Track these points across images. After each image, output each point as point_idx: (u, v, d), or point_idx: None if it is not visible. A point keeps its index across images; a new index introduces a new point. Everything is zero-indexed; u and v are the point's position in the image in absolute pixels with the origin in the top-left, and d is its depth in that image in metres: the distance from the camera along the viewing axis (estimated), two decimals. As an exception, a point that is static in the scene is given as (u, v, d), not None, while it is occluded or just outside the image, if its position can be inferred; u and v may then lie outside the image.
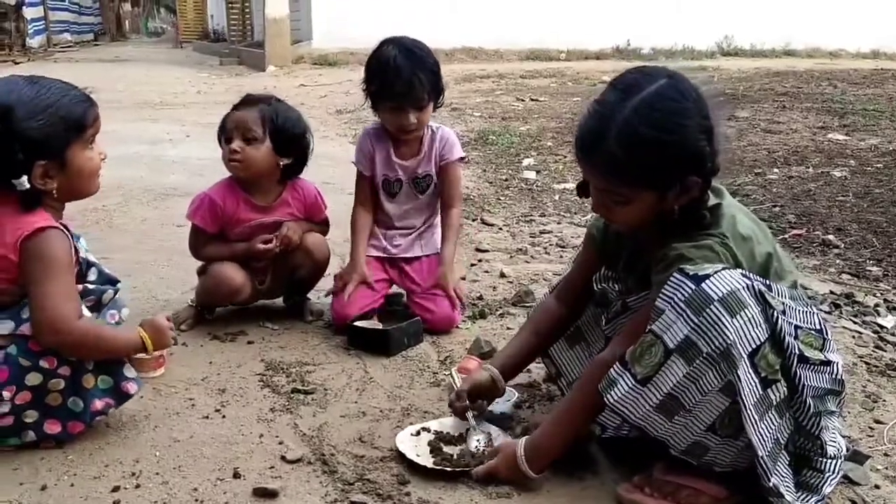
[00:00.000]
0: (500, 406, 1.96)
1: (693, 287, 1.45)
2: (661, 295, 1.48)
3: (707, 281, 1.45)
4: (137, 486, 1.64)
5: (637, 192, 1.54)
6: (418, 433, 1.85)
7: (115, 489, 1.63)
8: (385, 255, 2.66)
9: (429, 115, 2.53)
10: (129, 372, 1.83)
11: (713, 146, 1.54)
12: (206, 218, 2.50)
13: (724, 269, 1.47)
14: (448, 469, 1.70)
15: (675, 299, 1.46)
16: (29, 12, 20.22)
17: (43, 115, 1.71)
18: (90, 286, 1.87)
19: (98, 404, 1.79)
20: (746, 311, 1.44)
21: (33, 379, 1.71)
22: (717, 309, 1.43)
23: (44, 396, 1.73)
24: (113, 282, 1.91)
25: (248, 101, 2.51)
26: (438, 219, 2.70)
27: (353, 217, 2.63)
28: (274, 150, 2.47)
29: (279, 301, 2.71)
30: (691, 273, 1.46)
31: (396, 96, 2.44)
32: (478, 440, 1.81)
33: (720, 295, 1.43)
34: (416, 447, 1.79)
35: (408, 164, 2.60)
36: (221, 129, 2.52)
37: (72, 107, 1.76)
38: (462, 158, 2.67)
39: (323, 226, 2.66)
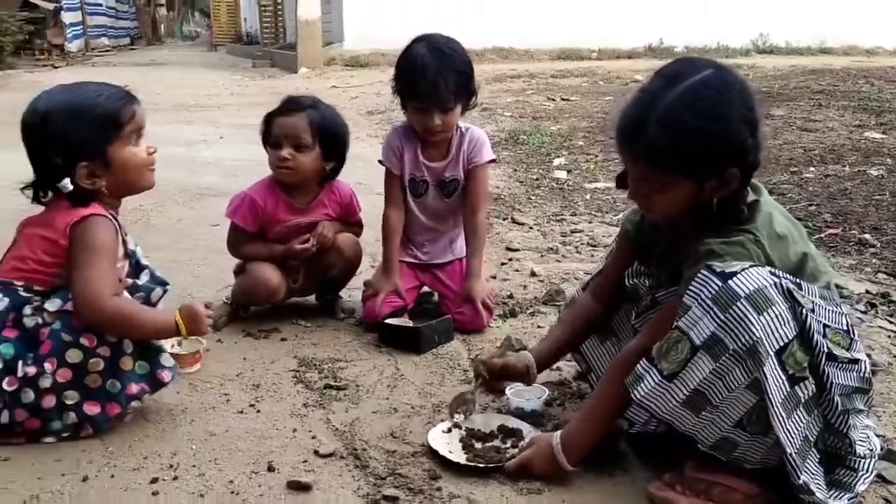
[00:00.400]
0: (531, 403, 1.97)
1: (720, 284, 1.45)
2: (688, 291, 1.48)
3: (734, 278, 1.44)
4: (175, 478, 1.68)
5: (675, 181, 1.54)
6: (449, 430, 1.86)
7: (154, 480, 1.67)
8: (416, 262, 2.67)
9: (456, 117, 2.48)
10: (166, 361, 1.87)
11: (756, 139, 1.53)
12: (246, 217, 2.55)
13: (751, 266, 1.47)
14: (482, 465, 1.71)
15: (702, 296, 1.46)
16: (67, 17, 20.63)
17: (78, 117, 1.80)
18: (139, 283, 1.92)
19: (133, 388, 1.83)
20: (774, 308, 1.43)
21: (74, 356, 1.77)
22: (744, 306, 1.42)
23: (84, 377, 1.78)
24: (163, 283, 1.97)
25: (293, 106, 2.51)
26: None
27: (384, 218, 2.60)
28: (322, 155, 2.51)
29: (312, 299, 2.74)
30: (718, 270, 1.46)
31: (421, 97, 2.42)
32: (466, 407, 1.90)
33: (747, 292, 1.43)
34: (448, 444, 1.80)
35: (435, 165, 2.56)
36: (266, 133, 2.54)
37: (107, 106, 1.83)
38: (492, 160, 2.62)
39: (357, 227, 2.68)
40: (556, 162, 5.28)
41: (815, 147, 5.32)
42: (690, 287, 1.48)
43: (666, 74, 1.56)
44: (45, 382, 1.76)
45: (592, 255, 3.31)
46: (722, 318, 1.44)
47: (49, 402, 1.77)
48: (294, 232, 2.56)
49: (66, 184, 1.80)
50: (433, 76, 2.37)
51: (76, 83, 1.89)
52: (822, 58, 12.97)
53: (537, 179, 4.83)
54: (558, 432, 1.69)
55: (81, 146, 1.80)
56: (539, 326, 2.55)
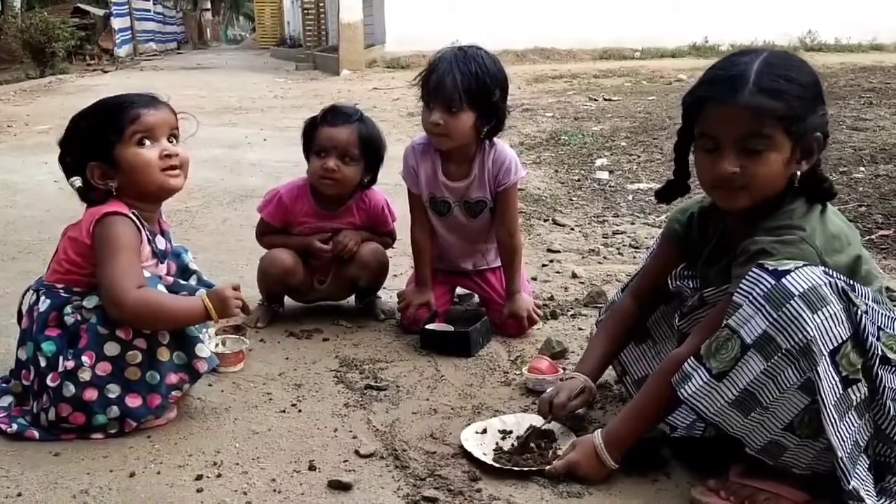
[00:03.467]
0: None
1: (773, 282, 1.42)
2: (738, 290, 1.46)
3: (788, 276, 1.42)
4: (219, 476, 1.71)
5: (778, 135, 1.51)
6: (484, 430, 1.86)
7: (199, 478, 1.69)
8: (449, 270, 2.64)
9: (463, 125, 2.30)
10: (201, 351, 1.90)
11: (825, 111, 1.56)
12: (272, 214, 2.61)
13: (805, 265, 1.44)
14: (525, 469, 1.70)
15: (754, 294, 1.43)
16: (116, 23, 21.18)
17: (84, 118, 1.91)
18: (182, 282, 1.96)
19: (173, 378, 1.87)
20: (828, 307, 1.40)
21: (111, 349, 1.82)
22: (798, 304, 1.40)
23: (123, 370, 1.83)
24: (209, 287, 2.01)
25: (341, 117, 2.51)
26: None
27: (411, 237, 2.56)
28: (364, 168, 2.53)
29: (352, 300, 2.77)
30: (771, 268, 1.44)
31: (429, 91, 2.32)
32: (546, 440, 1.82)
33: (801, 290, 1.40)
34: (480, 445, 1.80)
35: (456, 185, 2.45)
36: (308, 139, 2.56)
37: (111, 108, 1.91)
38: (522, 177, 2.51)
39: (387, 237, 2.68)
40: (598, 162, 5.23)
41: (865, 147, 5.18)
42: (741, 285, 1.46)
43: (740, 52, 1.59)
44: (85, 375, 1.80)
45: (635, 257, 3.27)
46: (775, 316, 1.41)
47: (91, 394, 1.81)
48: (323, 231, 2.59)
49: (76, 181, 1.89)
50: (443, 70, 2.28)
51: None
52: (873, 55, 12.67)
53: (579, 180, 4.80)
54: (598, 431, 1.68)
55: (88, 145, 1.89)
56: (580, 329, 2.53)
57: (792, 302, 1.40)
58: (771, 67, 1.51)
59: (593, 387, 1.88)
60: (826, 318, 1.40)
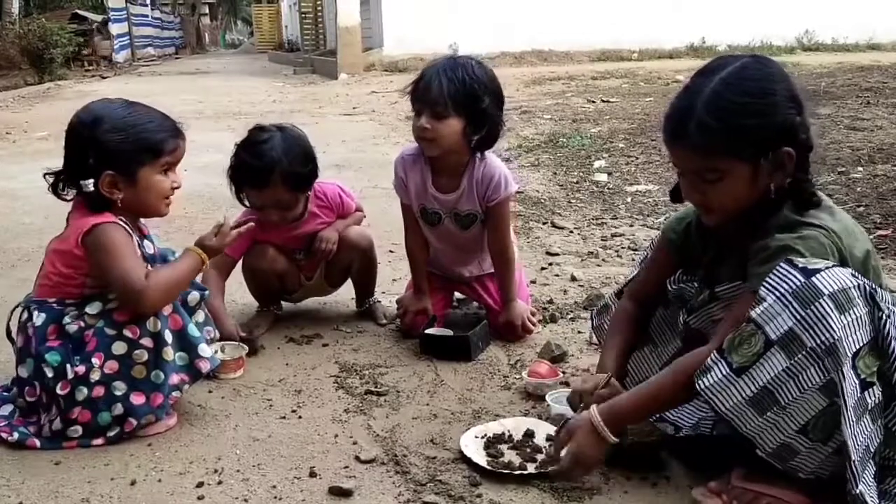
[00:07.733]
0: (563, 407, 1.95)
1: (802, 279, 1.41)
2: (765, 284, 1.44)
3: (818, 275, 1.41)
4: (220, 483, 1.71)
5: (729, 166, 1.52)
6: (484, 435, 1.86)
7: (199, 485, 1.70)
8: (445, 275, 2.64)
9: (451, 130, 2.27)
10: (204, 351, 1.92)
11: (804, 118, 1.53)
12: (236, 247, 2.55)
13: (834, 265, 1.44)
14: (526, 472, 1.70)
15: (782, 289, 1.42)
16: (114, 28, 21.22)
17: (124, 132, 1.89)
18: None
19: (174, 378, 1.89)
20: (855, 310, 1.40)
21: (119, 348, 1.84)
22: (827, 304, 1.39)
23: (130, 368, 1.85)
24: (202, 289, 2.03)
25: (259, 176, 2.43)
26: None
27: (405, 246, 2.57)
28: (304, 193, 2.54)
29: (352, 305, 2.77)
30: (801, 265, 1.43)
31: (415, 98, 2.32)
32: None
33: (831, 290, 1.39)
34: (478, 450, 1.79)
35: (445, 197, 2.43)
36: (237, 191, 2.53)
37: (154, 132, 1.92)
38: (515, 191, 2.48)
39: (358, 212, 2.70)
40: (597, 164, 5.24)
41: (863, 146, 5.19)
42: (768, 279, 1.44)
43: (706, 69, 1.59)
44: (95, 376, 1.83)
45: (633, 259, 3.27)
46: (802, 314, 1.40)
47: (98, 391, 1.84)
48: (296, 238, 2.59)
49: (89, 184, 1.89)
50: (430, 77, 2.28)
51: (138, 102, 1.99)
52: (871, 54, 12.67)
53: (577, 182, 4.80)
54: (593, 407, 1.63)
55: (117, 157, 1.88)
56: (579, 332, 2.53)
57: (821, 301, 1.39)
58: (718, 98, 1.51)
59: (617, 384, 1.83)
60: (853, 321, 1.39)
